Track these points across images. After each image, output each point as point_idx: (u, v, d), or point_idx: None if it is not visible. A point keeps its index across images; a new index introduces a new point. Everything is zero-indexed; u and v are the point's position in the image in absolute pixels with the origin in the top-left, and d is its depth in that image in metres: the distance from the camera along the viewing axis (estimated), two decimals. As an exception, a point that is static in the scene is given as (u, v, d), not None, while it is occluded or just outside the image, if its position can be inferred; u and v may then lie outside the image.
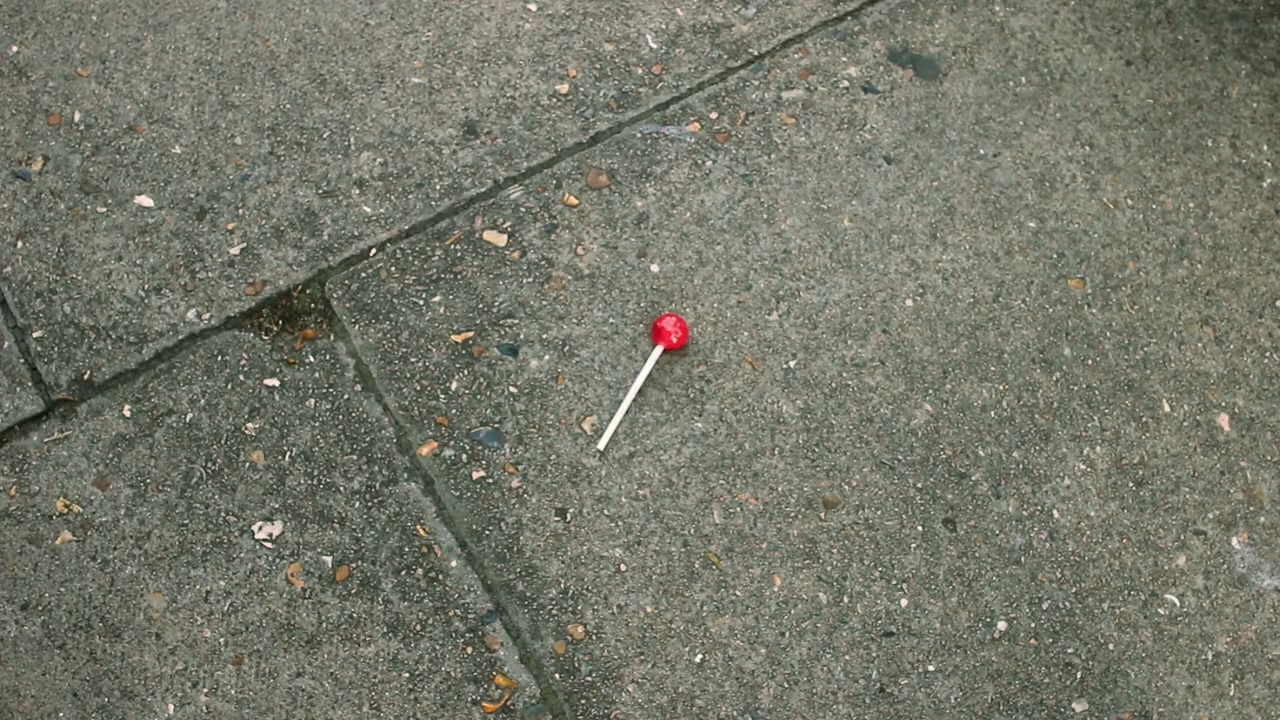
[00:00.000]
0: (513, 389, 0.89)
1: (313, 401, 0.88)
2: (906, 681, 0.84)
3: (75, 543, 0.83)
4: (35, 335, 0.89)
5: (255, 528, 0.84)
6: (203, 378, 0.88)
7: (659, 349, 0.90)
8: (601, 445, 0.87)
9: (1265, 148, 1.04)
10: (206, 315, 0.90)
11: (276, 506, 0.85)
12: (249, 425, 0.87)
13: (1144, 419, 0.93)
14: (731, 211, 0.96)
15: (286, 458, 0.86)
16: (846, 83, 1.01)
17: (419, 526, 0.85)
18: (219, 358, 0.89)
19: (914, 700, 0.83)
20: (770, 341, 0.92)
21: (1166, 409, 0.93)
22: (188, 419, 0.87)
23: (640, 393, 0.90)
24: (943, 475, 0.90)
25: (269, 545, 0.84)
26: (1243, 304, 0.98)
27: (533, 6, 1.03)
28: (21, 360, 0.88)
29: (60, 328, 0.89)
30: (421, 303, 0.92)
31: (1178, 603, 0.88)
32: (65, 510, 0.84)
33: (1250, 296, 0.98)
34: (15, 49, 0.98)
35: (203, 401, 0.87)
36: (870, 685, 0.84)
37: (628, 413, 0.89)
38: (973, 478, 0.90)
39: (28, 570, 0.82)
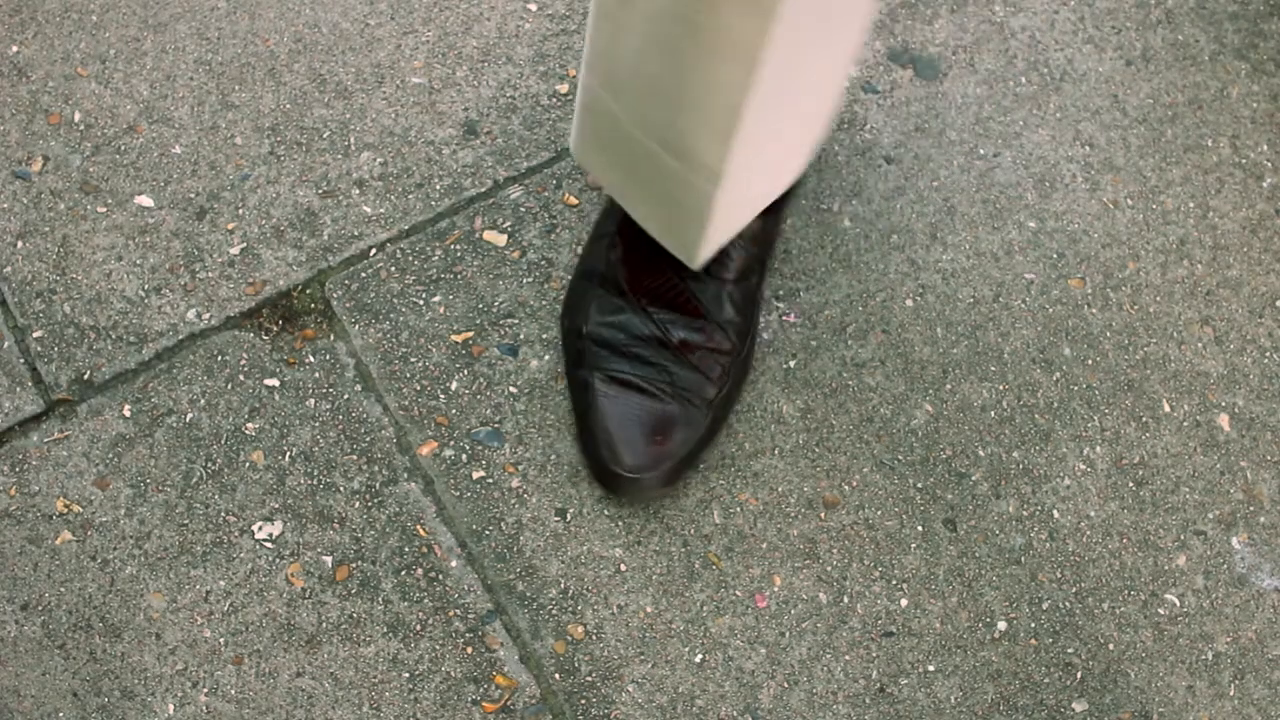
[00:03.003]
0: (513, 389, 0.89)
1: (313, 401, 0.88)
2: (906, 681, 0.84)
3: (75, 543, 0.83)
4: (35, 335, 0.89)
5: (255, 528, 0.84)
6: (203, 378, 0.88)
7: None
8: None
9: (1265, 148, 1.04)
10: (206, 315, 0.90)
11: (276, 506, 0.85)
12: (249, 425, 0.87)
13: (1144, 419, 0.93)
14: (731, 211, 0.96)
15: (286, 458, 0.86)
16: (847, 82, 1.01)
17: (419, 526, 0.85)
18: (219, 358, 0.89)
19: (914, 700, 0.83)
20: (770, 341, 0.92)
21: (1166, 409, 0.93)
22: (188, 419, 0.87)
23: (640, 393, 0.90)
24: (943, 475, 0.90)
25: (269, 545, 0.84)
26: (1243, 304, 0.98)
27: (533, 6, 1.03)
28: (21, 360, 0.88)
29: (60, 328, 0.89)
30: (421, 303, 0.92)
31: (1178, 603, 0.88)
32: (65, 510, 0.84)
33: (1250, 296, 0.98)
34: (15, 49, 0.98)
35: (203, 401, 0.87)
36: (870, 685, 0.84)
37: (628, 413, 0.89)
38: (973, 478, 0.90)
39: (28, 570, 0.82)
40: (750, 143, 0.62)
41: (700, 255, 0.74)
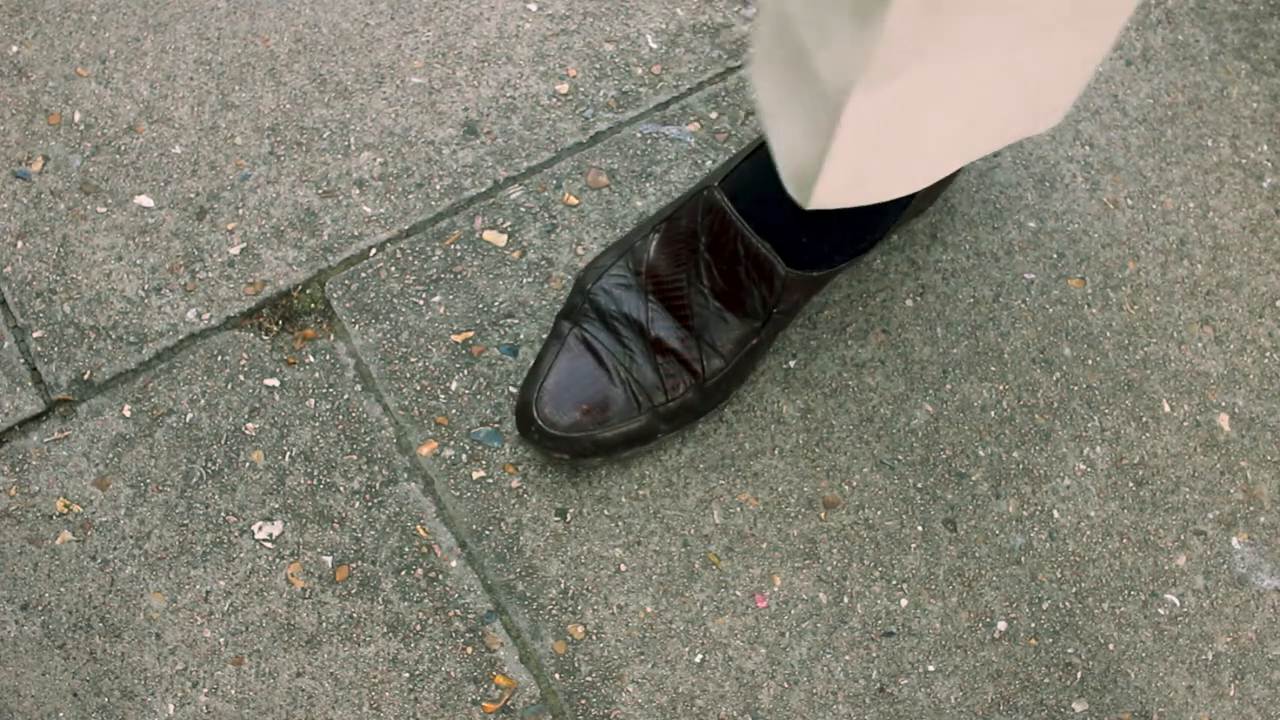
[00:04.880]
0: (513, 389, 0.89)
1: (313, 401, 0.88)
2: (906, 681, 0.84)
3: (75, 543, 0.83)
4: (35, 335, 0.89)
5: (255, 528, 0.84)
6: (203, 378, 0.88)
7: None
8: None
9: (1265, 148, 1.04)
10: (206, 315, 0.90)
11: (276, 506, 0.85)
12: (249, 425, 0.87)
13: (1144, 419, 0.93)
14: (731, 211, 0.95)
15: (286, 458, 0.86)
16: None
17: (419, 526, 0.85)
18: (219, 358, 0.89)
19: (914, 700, 0.83)
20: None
21: (1166, 409, 0.93)
22: (188, 419, 0.87)
23: (640, 393, 0.89)
24: (943, 475, 0.90)
25: (269, 545, 0.84)
26: (1243, 304, 0.98)
27: (533, 6, 1.03)
28: (21, 360, 0.88)
29: (60, 328, 0.89)
30: (421, 303, 0.92)
31: (1178, 603, 0.88)
32: (65, 510, 0.84)
33: (1250, 296, 0.98)
34: (15, 49, 0.98)
35: (203, 401, 0.87)
36: (870, 685, 0.84)
37: (628, 413, 0.89)
38: (973, 478, 0.90)
39: (28, 570, 0.82)
40: (895, 50, 0.62)
41: (816, 190, 0.72)
